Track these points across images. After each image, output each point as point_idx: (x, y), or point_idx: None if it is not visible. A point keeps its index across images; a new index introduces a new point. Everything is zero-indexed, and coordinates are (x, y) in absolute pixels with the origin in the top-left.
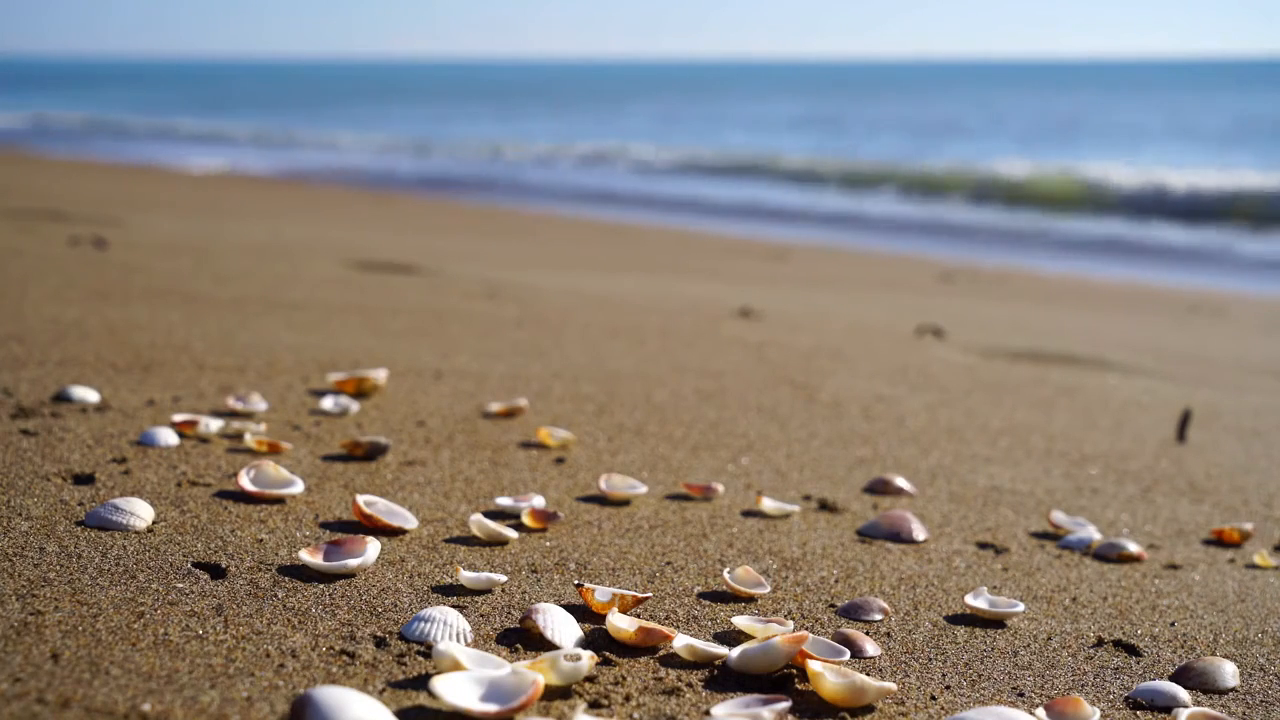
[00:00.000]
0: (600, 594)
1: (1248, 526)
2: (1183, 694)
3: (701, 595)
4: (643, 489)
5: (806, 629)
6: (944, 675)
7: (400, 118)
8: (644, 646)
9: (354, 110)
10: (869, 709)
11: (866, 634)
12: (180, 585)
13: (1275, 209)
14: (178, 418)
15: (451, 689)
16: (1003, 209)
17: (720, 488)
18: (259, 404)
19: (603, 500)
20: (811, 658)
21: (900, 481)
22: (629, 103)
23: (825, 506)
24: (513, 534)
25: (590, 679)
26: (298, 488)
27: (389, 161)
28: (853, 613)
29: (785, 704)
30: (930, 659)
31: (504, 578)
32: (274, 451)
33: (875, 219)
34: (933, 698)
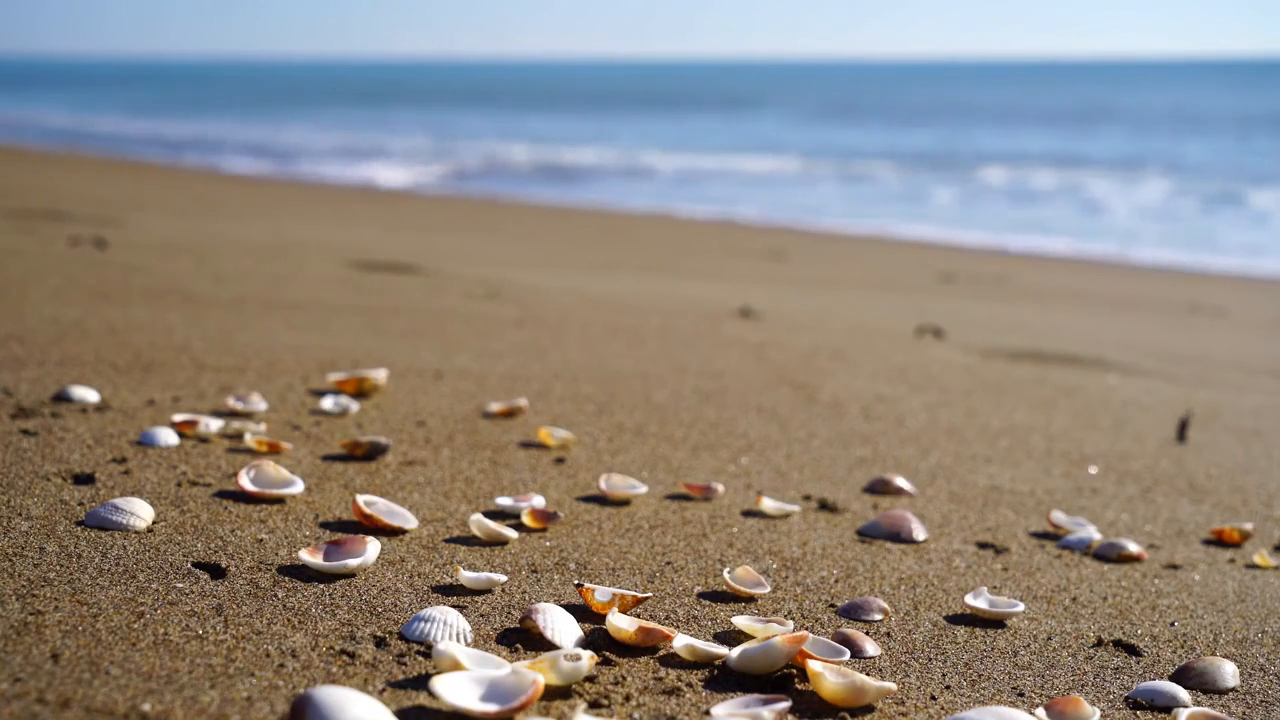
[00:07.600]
0: (600, 594)
1: (1248, 526)
2: (1183, 694)
3: (701, 595)
4: (643, 489)
5: (806, 629)
6: (944, 675)
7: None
8: (644, 646)
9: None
10: (869, 709)
11: (866, 634)
12: (180, 585)
13: None
14: (178, 418)
15: (451, 689)
16: None
17: (720, 488)
18: (259, 404)
19: (603, 500)
20: (811, 658)
21: (900, 481)
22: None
23: (825, 506)
24: (513, 534)
25: (590, 679)
26: (298, 488)
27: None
28: (853, 613)
29: (785, 704)
30: (930, 659)
31: (504, 578)
32: (274, 451)
33: None
34: (933, 698)
